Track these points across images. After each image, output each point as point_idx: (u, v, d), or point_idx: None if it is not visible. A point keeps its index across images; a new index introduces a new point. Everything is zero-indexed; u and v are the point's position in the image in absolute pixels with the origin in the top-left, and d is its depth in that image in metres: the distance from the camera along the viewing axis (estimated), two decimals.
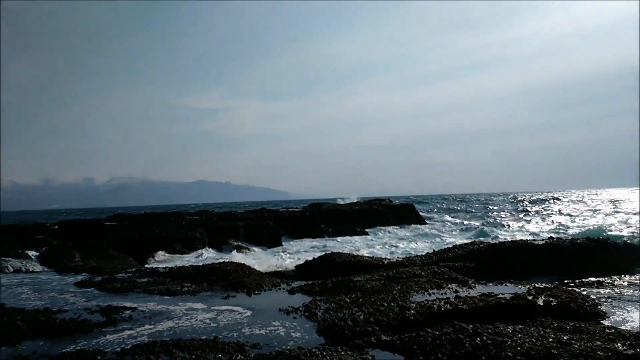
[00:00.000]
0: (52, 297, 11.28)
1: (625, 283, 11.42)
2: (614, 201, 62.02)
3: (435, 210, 54.13)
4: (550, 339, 6.20)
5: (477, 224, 36.31)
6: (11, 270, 16.83)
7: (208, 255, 21.85)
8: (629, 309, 8.80)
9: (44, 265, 18.35)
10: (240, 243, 26.44)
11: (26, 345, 7.31)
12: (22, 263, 17.69)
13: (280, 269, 15.72)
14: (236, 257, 19.41)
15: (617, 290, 10.59)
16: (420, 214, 40.70)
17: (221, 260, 16.19)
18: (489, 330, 6.73)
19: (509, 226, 34.31)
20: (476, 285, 10.51)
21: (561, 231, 27.99)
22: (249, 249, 23.46)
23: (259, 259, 18.85)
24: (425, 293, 9.65)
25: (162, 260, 20.88)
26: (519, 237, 22.74)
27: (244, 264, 14.88)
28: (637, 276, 12.22)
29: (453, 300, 8.67)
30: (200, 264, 15.64)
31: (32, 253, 19.73)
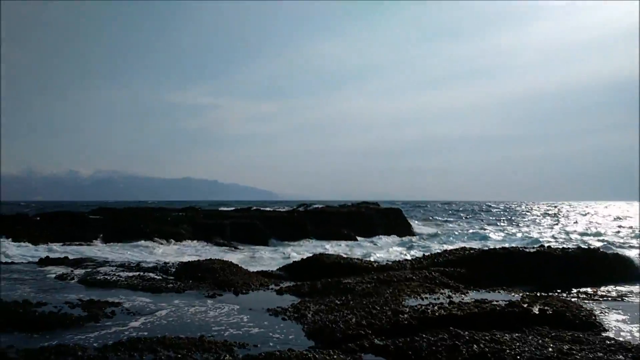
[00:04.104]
0: (31, 289, 10.87)
1: (615, 294, 11.34)
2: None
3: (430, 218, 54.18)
4: (550, 349, 6.02)
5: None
6: None
7: (193, 253, 21.45)
8: (622, 319, 8.69)
9: (23, 256, 17.83)
10: (226, 241, 26.12)
11: (3, 338, 6.94)
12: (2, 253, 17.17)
13: (268, 269, 15.41)
14: (222, 255, 19.07)
15: (608, 301, 10.50)
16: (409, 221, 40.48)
17: (208, 258, 15.85)
18: (486, 338, 6.53)
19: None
20: (469, 291, 10.34)
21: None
22: (236, 248, 23.12)
23: (246, 258, 18.54)
24: (418, 297, 9.45)
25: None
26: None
27: (230, 261, 14.57)
28: (626, 288, 12.18)
29: (447, 305, 8.47)
30: (186, 260, 15.30)
31: (12, 243, 19.19)
